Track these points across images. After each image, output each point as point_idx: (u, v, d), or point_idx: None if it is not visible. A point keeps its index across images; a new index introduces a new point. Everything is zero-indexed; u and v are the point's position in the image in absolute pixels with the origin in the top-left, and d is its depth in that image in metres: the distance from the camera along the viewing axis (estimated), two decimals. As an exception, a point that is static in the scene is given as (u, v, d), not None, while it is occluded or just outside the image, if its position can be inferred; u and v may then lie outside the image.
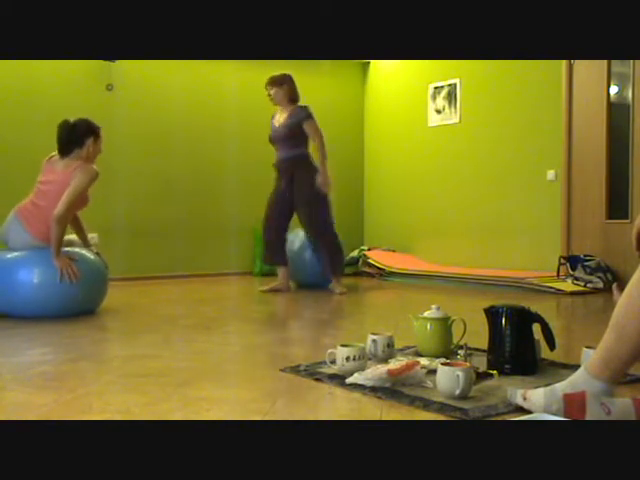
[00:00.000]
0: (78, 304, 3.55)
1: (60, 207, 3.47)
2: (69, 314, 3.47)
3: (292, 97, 4.75)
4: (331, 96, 6.91)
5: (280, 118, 4.77)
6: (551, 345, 2.18)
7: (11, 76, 5.23)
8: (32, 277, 3.44)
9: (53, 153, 3.73)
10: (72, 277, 3.46)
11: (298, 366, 2.23)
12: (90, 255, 3.70)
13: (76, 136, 3.65)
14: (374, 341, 2.29)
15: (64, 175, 3.57)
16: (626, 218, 5.00)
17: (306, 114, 4.68)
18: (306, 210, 4.74)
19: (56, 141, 3.67)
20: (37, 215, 3.57)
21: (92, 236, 4.06)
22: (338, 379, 2.03)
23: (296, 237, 5.12)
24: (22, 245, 3.56)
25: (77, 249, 3.68)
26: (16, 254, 3.53)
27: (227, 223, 6.23)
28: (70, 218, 3.64)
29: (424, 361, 2.13)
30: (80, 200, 3.62)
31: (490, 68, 5.88)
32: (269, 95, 4.76)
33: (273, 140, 4.81)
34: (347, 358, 2.08)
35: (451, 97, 6.23)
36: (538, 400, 1.62)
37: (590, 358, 1.66)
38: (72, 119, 3.70)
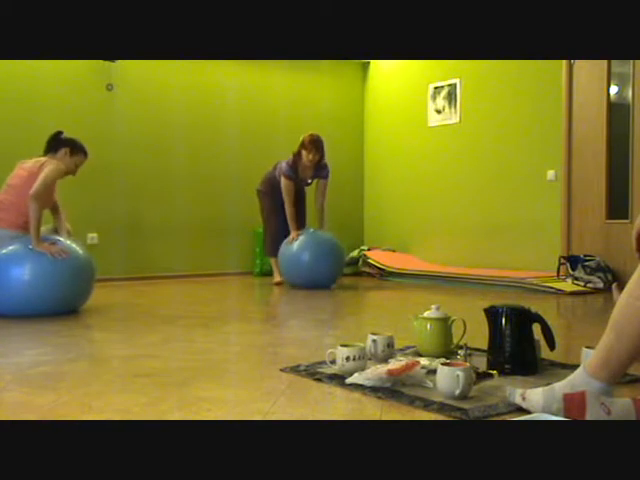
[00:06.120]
0: (64, 302, 3.55)
1: (36, 186, 3.55)
2: (55, 312, 3.47)
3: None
4: (331, 96, 6.91)
5: (309, 173, 5.28)
6: (551, 345, 2.18)
7: (12, 76, 5.23)
8: (22, 274, 3.42)
9: (26, 160, 3.85)
10: (61, 253, 3.50)
11: (298, 366, 2.23)
12: (75, 247, 3.68)
13: (55, 142, 3.82)
14: (374, 341, 2.29)
15: (32, 169, 3.68)
16: (626, 218, 5.00)
17: (328, 172, 5.30)
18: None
19: None
20: (9, 208, 3.63)
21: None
22: (338, 379, 2.03)
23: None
24: (1, 243, 3.56)
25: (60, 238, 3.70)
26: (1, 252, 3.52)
27: (227, 223, 6.22)
28: (46, 202, 3.68)
29: (424, 361, 2.13)
30: (47, 193, 3.68)
31: (490, 68, 5.88)
32: (311, 158, 5.13)
33: (298, 185, 5.30)
34: (347, 358, 2.08)
35: (451, 97, 6.22)
36: (537, 400, 1.62)
37: (589, 358, 1.66)
38: (65, 133, 3.87)
